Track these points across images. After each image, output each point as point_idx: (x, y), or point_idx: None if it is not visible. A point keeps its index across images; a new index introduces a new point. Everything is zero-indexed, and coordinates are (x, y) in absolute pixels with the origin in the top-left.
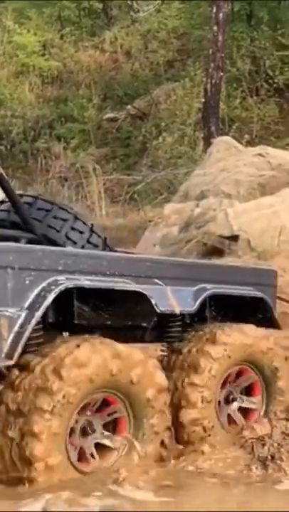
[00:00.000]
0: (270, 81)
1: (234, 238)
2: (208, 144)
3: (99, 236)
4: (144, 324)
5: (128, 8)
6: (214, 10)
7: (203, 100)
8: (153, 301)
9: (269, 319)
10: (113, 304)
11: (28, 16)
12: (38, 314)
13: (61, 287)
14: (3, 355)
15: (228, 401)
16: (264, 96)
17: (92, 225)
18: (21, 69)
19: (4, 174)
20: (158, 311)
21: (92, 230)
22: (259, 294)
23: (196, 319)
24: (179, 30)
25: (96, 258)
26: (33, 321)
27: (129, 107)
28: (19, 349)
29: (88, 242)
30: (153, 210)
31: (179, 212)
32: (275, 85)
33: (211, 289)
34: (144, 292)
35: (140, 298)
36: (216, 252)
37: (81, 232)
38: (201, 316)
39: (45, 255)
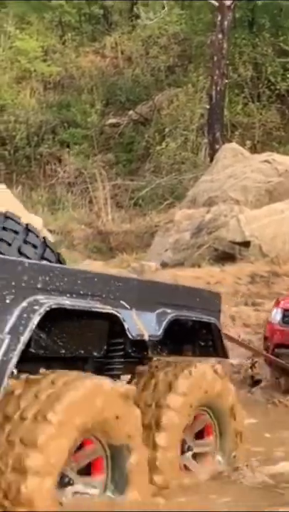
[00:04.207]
0: (272, 87)
1: (245, 244)
2: (212, 149)
3: (52, 251)
4: (96, 353)
5: (128, 14)
6: (219, 17)
7: (208, 107)
8: (126, 326)
9: (214, 347)
10: (68, 331)
11: (29, 22)
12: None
13: (46, 307)
14: None
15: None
16: (266, 102)
17: (44, 238)
18: (23, 74)
19: None
20: (130, 336)
21: (45, 244)
22: (212, 320)
23: (136, 350)
24: (180, 35)
25: (72, 275)
26: (19, 347)
27: (131, 112)
28: (5, 380)
29: (43, 257)
30: (158, 215)
31: (189, 217)
32: (276, 91)
33: (172, 313)
34: (118, 315)
35: (104, 323)
36: (227, 257)
37: (34, 247)
38: (142, 346)
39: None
